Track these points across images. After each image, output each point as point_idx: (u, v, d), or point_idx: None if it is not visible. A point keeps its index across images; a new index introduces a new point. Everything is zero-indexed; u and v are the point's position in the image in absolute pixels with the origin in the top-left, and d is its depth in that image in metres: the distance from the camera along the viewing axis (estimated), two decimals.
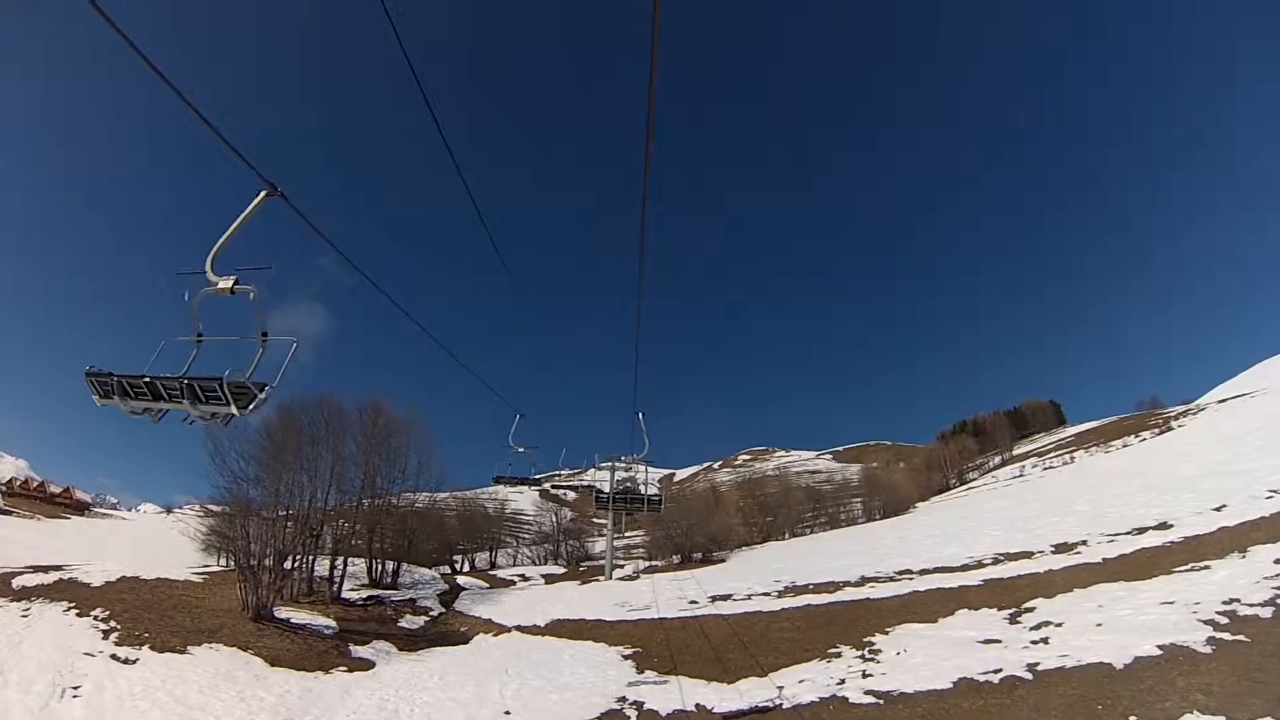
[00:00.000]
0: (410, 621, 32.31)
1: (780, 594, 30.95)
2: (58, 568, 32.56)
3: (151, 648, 22.97)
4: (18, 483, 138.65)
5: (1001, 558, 30.39)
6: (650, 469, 50.98)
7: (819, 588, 30.78)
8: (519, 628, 30.55)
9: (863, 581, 30.64)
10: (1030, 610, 21.54)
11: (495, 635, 29.75)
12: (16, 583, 29.27)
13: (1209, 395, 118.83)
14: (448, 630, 31.39)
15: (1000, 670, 16.71)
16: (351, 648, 26.50)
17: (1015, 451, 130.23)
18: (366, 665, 24.92)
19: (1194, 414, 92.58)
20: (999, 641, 19.25)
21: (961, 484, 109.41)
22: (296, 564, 32.91)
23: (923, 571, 30.82)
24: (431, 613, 34.51)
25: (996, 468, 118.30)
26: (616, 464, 50.99)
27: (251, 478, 30.45)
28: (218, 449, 29.81)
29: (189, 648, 23.35)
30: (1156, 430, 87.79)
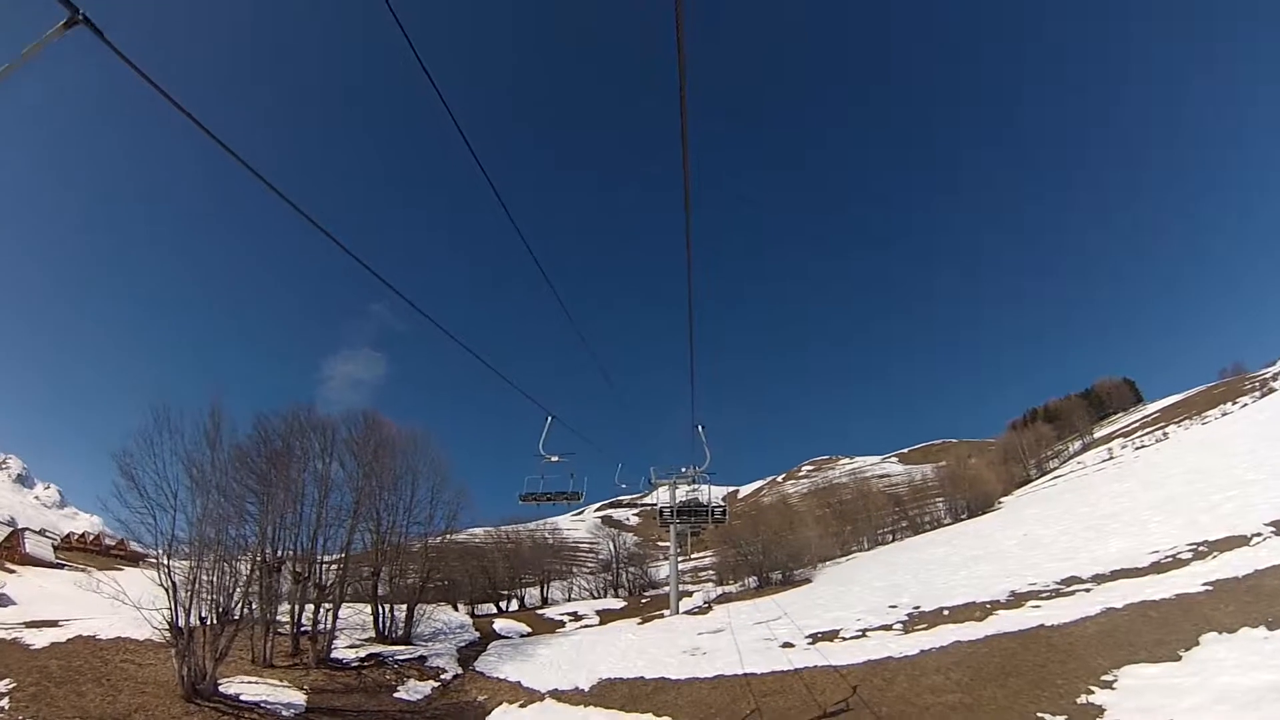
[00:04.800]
0: (412, 690, 24.68)
1: (906, 626, 22.34)
2: (52, 624, 28.43)
3: None
4: (75, 537, 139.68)
5: (1203, 549, 21.39)
6: (713, 486, 43.51)
7: (958, 613, 22.11)
8: (555, 694, 22.60)
9: (1018, 600, 21.95)
10: None
11: (522, 707, 21.90)
12: None
13: None
14: (459, 702, 23.67)
15: None
16: None
17: (1096, 434, 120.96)
18: None
19: None
20: None
21: (1042, 474, 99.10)
22: (255, 616, 25.79)
23: (1097, 578, 21.96)
24: (444, 675, 26.74)
25: (1078, 453, 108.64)
26: (678, 477, 43.48)
27: (173, 506, 22.38)
28: (127, 473, 22.12)
29: None
30: (1256, 394, 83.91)
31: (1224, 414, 77.86)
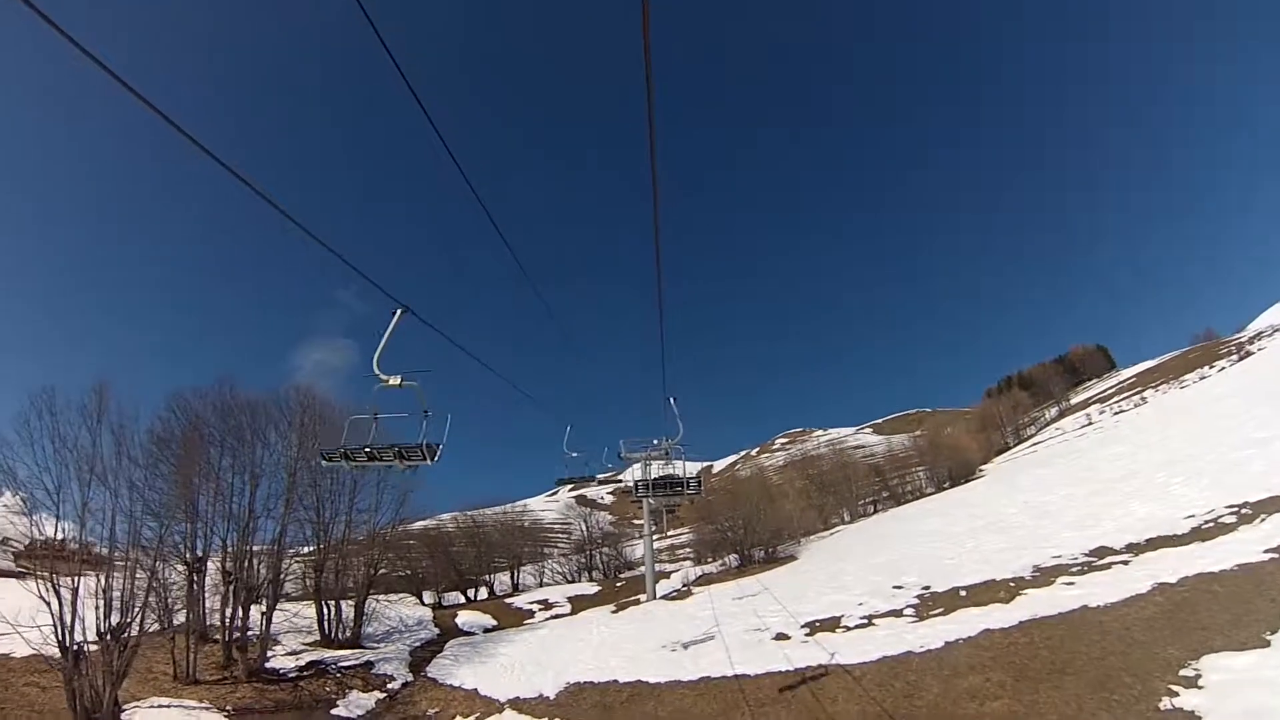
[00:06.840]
0: (353, 704, 21.50)
1: (919, 611, 19.61)
2: None
3: None
4: (37, 544, 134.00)
5: (1246, 511, 18.88)
6: (687, 462, 40.43)
7: (978, 594, 19.42)
8: (515, 704, 19.65)
9: (1045, 576, 19.29)
10: None
11: None
12: None
13: (1261, 320, 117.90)
14: (405, 718, 20.57)
15: None
16: None
17: (1072, 401, 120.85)
18: None
19: (1269, 335, 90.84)
20: None
21: (1020, 441, 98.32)
22: (171, 626, 22.49)
23: (1132, 548, 19.35)
24: (391, 685, 23.58)
25: (1055, 420, 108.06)
26: (650, 449, 40.35)
27: (54, 501, 19.07)
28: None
29: None
30: (1234, 357, 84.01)
31: (1202, 378, 77.56)
